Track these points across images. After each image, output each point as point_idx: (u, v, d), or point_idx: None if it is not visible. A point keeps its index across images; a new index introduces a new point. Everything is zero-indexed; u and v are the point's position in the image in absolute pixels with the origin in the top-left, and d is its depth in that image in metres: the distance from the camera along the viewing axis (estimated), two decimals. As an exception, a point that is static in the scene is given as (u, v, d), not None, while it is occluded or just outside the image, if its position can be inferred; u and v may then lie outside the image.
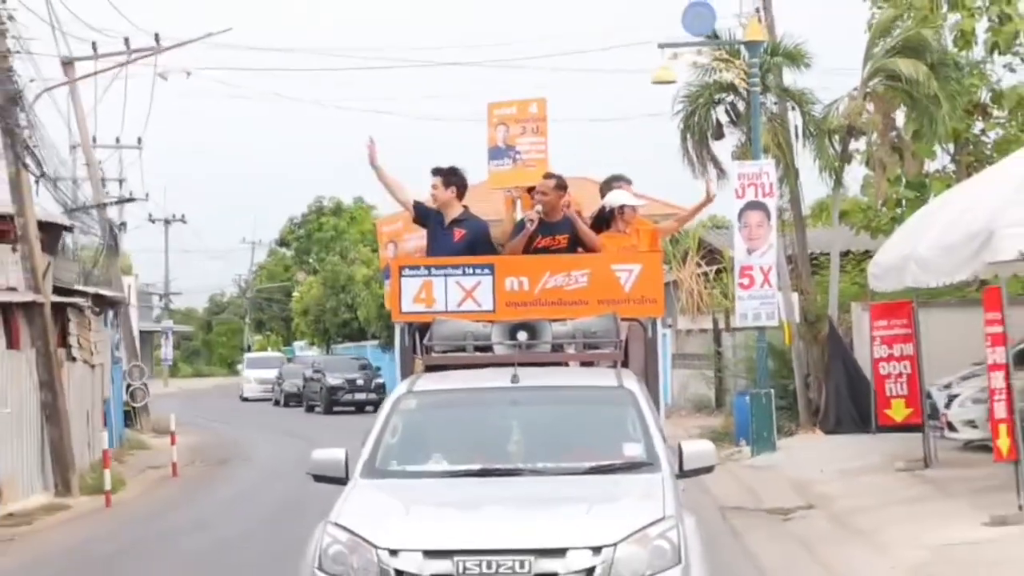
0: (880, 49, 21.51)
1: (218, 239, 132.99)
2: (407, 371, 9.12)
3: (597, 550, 6.48)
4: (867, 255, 21.64)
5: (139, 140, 38.57)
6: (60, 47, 25.76)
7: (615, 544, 6.50)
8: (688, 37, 21.61)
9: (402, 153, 20.04)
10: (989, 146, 22.21)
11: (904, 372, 16.45)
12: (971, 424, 16.35)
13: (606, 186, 10.77)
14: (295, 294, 62.27)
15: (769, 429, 19.75)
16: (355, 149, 10.57)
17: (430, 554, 6.47)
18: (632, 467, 7.46)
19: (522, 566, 6.41)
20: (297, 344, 65.28)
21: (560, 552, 6.46)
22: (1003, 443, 11.76)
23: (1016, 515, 11.40)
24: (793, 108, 22.32)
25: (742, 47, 21.59)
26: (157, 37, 28.80)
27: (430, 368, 8.64)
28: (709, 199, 11.52)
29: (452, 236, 9.84)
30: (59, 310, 20.21)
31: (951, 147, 22.37)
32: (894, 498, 13.94)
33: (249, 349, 77.98)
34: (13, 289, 18.38)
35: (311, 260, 63.75)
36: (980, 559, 10.42)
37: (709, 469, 7.68)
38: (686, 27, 21.17)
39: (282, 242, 72.31)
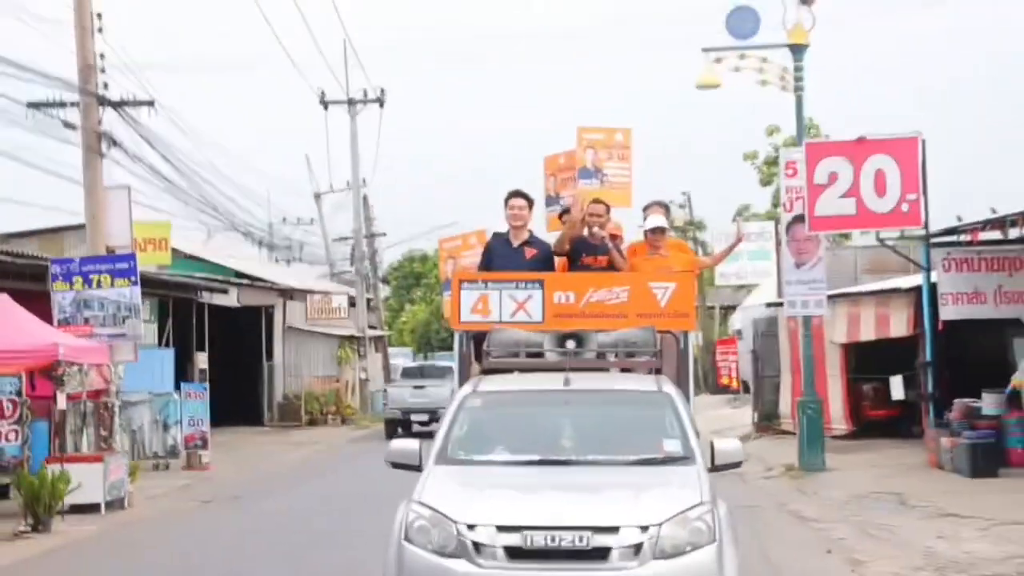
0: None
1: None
2: (464, 374, 9.83)
3: (645, 528, 7.21)
4: (733, 308, 48.30)
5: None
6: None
7: (660, 524, 7.24)
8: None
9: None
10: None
11: (728, 368, 42.74)
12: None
13: (645, 211, 11.58)
14: (402, 318, 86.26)
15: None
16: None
17: (503, 528, 7.23)
18: (671, 460, 8.15)
19: (580, 540, 7.16)
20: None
21: (613, 530, 7.20)
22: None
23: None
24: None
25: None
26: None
27: (487, 371, 9.36)
28: (739, 239, 12.87)
29: (524, 255, 10.62)
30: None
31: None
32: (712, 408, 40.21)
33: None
34: (373, 327, 45.45)
35: (409, 294, 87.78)
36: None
37: (737, 464, 8.42)
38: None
39: (384, 280, 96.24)
